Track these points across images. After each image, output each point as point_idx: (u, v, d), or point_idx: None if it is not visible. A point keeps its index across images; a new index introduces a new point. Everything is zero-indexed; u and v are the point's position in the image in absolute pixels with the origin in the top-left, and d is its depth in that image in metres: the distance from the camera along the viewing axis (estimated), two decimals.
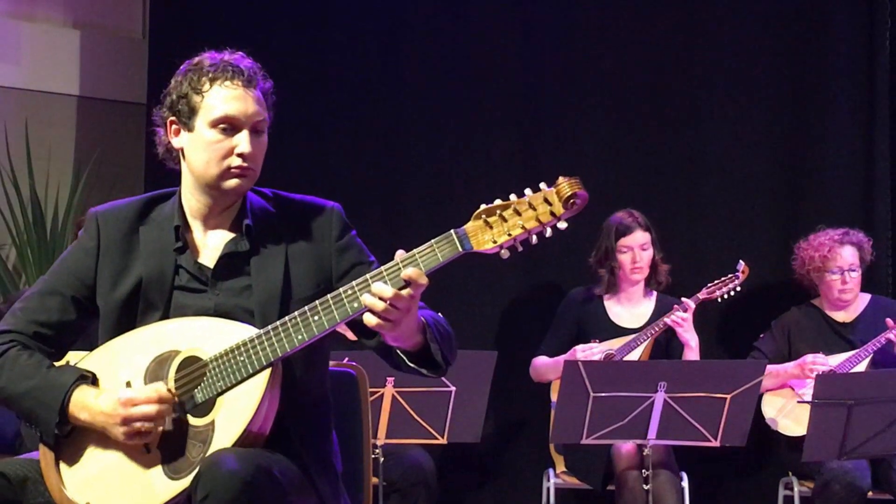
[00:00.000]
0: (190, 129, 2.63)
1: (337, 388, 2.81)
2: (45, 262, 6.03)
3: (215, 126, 2.60)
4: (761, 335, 5.15)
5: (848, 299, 5.05)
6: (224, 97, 2.60)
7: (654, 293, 5.20)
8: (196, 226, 2.69)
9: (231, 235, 2.67)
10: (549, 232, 2.42)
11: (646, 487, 4.47)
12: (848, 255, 4.99)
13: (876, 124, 5.38)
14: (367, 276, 2.45)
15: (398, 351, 2.56)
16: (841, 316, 5.11)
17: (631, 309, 5.18)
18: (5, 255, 6.22)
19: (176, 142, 2.66)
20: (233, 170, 2.60)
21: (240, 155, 2.59)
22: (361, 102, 5.96)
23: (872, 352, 4.88)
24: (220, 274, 2.64)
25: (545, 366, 5.14)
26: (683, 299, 5.04)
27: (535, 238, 2.42)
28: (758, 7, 5.61)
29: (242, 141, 2.59)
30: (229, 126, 2.60)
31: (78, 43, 6.43)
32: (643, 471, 4.48)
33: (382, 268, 2.45)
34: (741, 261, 5.15)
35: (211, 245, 2.67)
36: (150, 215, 2.70)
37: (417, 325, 2.50)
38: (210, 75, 2.61)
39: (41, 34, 6.33)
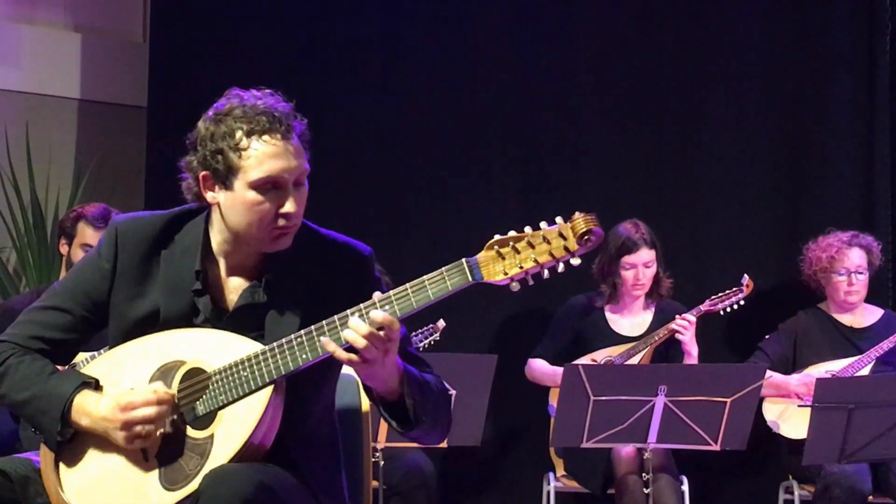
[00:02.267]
0: (228, 188, 2.48)
1: (337, 391, 2.77)
2: (46, 264, 6.04)
3: (257, 188, 2.46)
4: (766, 336, 5.14)
5: (854, 301, 5.04)
6: (265, 155, 2.44)
7: (655, 303, 5.17)
8: (220, 262, 2.60)
9: (250, 283, 2.58)
10: (561, 267, 2.36)
11: (646, 491, 4.47)
12: (855, 258, 4.99)
13: (876, 126, 5.38)
14: (375, 298, 2.41)
15: (374, 395, 2.51)
16: (848, 320, 5.10)
17: (631, 318, 5.17)
18: (6, 257, 6.22)
19: (210, 196, 2.52)
20: (276, 230, 2.49)
21: (285, 215, 2.48)
22: (361, 106, 5.95)
23: (875, 357, 4.88)
24: (234, 323, 2.56)
25: (543, 374, 5.13)
26: (684, 315, 4.99)
27: (546, 273, 2.36)
28: (757, 9, 5.61)
29: (288, 202, 2.47)
30: (272, 186, 2.47)
31: (79, 46, 6.42)
32: (643, 475, 4.48)
33: (391, 292, 2.41)
34: (745, 275, 5.11)
35: (231, 286, 2.59)
36: (174, 238, 2.60)
37: (397, 374, 2.45)
38: (245, 128, 2.44)
39: (42, 37, 6.33)
